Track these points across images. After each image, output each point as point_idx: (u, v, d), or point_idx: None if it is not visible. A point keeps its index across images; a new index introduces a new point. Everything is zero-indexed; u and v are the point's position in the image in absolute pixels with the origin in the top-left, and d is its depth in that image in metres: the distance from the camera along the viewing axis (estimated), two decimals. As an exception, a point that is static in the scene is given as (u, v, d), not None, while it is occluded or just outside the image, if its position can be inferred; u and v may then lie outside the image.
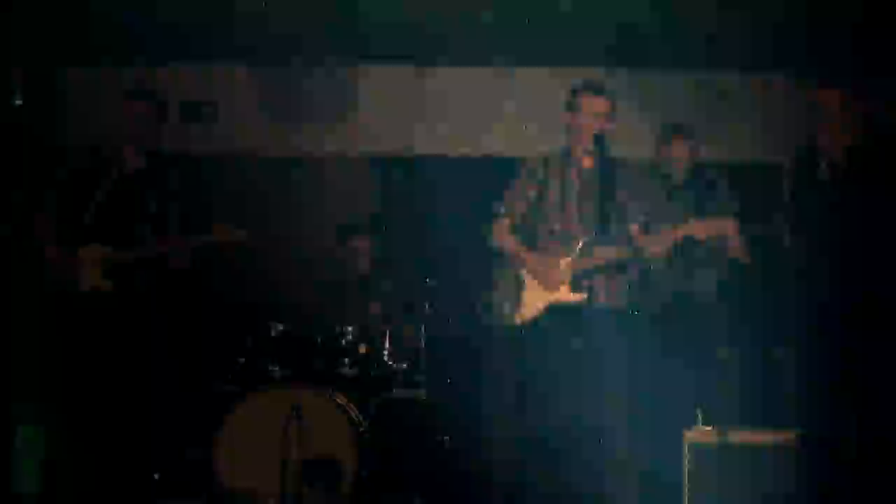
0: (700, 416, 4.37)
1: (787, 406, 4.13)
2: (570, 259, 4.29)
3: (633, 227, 4.32)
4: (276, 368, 5.06)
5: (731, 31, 5.86)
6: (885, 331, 4.02)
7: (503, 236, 4.46)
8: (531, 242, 4.43)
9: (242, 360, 5.10)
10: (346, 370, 5.11)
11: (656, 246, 4.16)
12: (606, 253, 4.24)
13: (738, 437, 4.24)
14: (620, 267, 4.31)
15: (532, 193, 4.43)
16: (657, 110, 6.15)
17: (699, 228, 4.21)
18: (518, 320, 4.33)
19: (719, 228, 4.17)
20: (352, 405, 4.90)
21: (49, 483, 4.57)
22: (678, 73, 6.50)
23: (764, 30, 5.79)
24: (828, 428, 4.06)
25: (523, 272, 4.37)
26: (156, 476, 4.83)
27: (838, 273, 3.95)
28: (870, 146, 3.97)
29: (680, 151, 4.96)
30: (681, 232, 4.19)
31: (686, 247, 4.50)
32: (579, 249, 4.29)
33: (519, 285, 4.35)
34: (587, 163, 4.39)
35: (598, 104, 4.29)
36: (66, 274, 4.56)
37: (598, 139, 4.25)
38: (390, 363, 5.23)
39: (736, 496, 4.21)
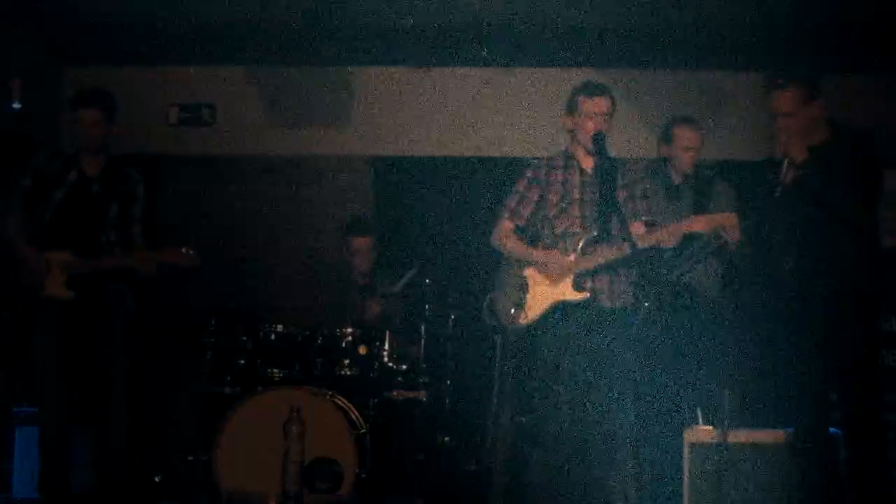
0: (700, 416, 4.37)
1: (786, 405, 4.12)
2: (572, 259, 4.29)
3: (634, 227, 4.31)
4: (276, 370, 5.05)
5: (731, 31, 5.85)
6: (874, 325, 4.04)
7: (506, 238, 4.47)
8: (534, 244, 4.45)
9: (242, 361, 5.09)
10: (345, 371, 5.10)
11: (658, 242, 4.16)
12: (608, 252, 4.24)
13: (739, 436, 4.24)
14: (622, 266, 4.31)
15: (534, 195, 4.43)
16: (657, 110, 6.14)
17: (700, 223, 4.22)
18: (521, 320, 4.33)
19: (720, 222, 4.17)
20: (352, 406, 4.90)
21: (47, 485, 4.56)
22: (678, 73, 6.49)
23: (759, 29, 5.80)
24: (825, 425, 4.07)
25: (526, 272, 4.38)
26: (156, 479, 4.84)
27: (818, 272, 3.95)
28: (831, 143, 3.96)
29: (688, 140, 4.93)
30: (682, 227, 4.19)
31: (687, 243, 4.49)
32: (581, 249, 4.29)
33: (522, 286, 4.35)
34: (587, 163, 4.39)
35: (598, 104, 4.29)
36: (37, 276, 4.53)
37: (598, 139, 4.25)
38: (390, 364, 5.23)
39: (736, 496, 4.20)
